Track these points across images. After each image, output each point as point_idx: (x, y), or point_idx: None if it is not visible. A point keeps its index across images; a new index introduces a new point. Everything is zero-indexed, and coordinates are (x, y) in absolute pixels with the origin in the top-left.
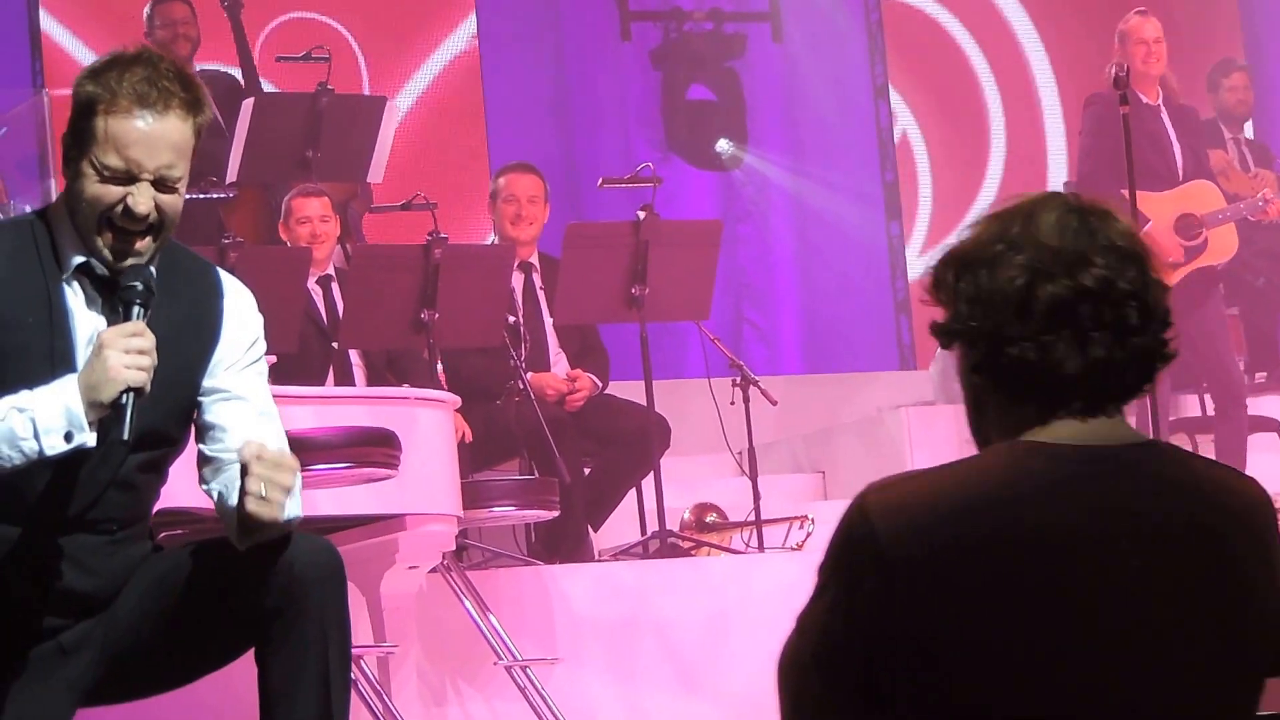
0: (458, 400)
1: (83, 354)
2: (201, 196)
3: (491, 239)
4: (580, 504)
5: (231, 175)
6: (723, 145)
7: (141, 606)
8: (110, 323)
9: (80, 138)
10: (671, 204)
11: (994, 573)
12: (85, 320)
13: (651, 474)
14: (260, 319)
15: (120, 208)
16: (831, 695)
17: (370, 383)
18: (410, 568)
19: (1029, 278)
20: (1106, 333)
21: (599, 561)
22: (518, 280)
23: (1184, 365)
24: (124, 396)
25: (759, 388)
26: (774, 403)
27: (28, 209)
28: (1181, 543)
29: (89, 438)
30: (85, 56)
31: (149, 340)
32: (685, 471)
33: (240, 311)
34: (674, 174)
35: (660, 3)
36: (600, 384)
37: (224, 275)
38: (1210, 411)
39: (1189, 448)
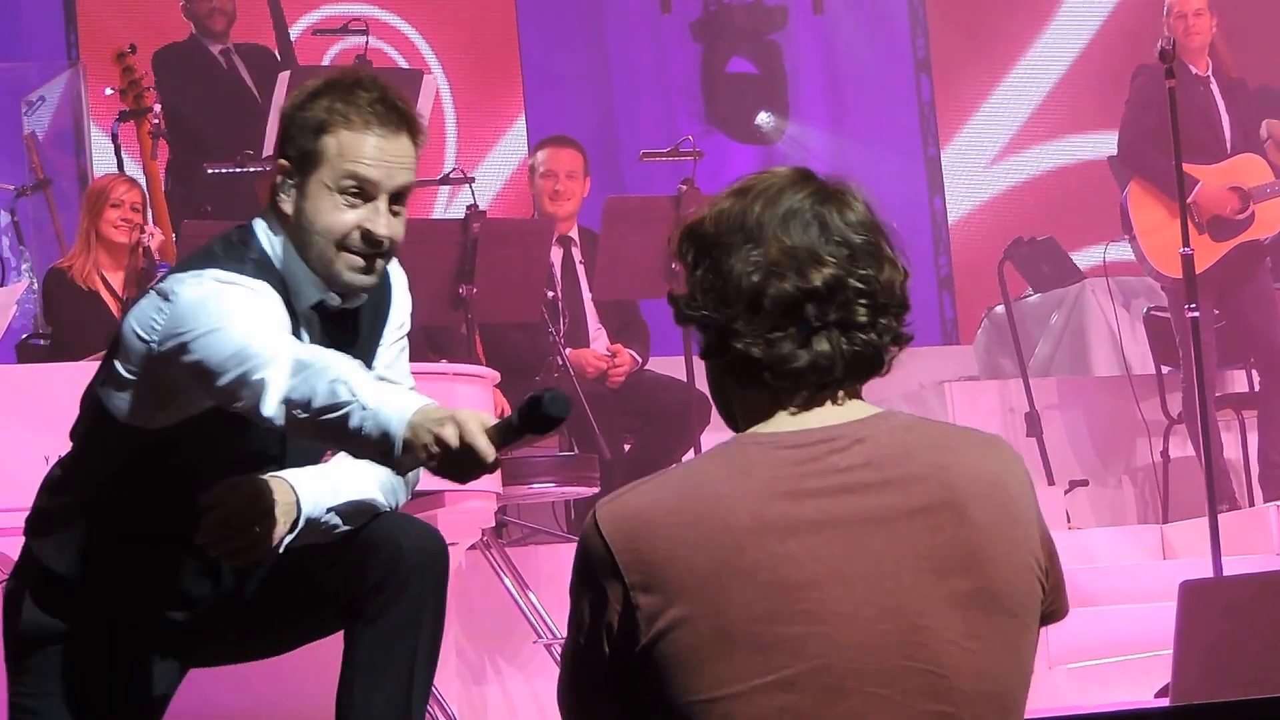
0: (497, 375)
1: None
2: (238, 170)
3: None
4: (620, 480)
5: (268, 149)
6: (763, 118)
7: (258, 575)
8: (335, 345)
9: (306, 161)
10: (712, 178)
11: (718, 565)
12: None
13: (691, 450)
14: (409, 294)
15: (358, 233)
16: (595, 712)
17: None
18: (449, 544)
19: (761, 276)
20: (834, 329)
21: None
22: (556, 255)
23: (1231, 341)
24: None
25: None
26: None
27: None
28: (899, 513)
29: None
30: (120, 29)
31: (485, 455)
32: None
33: (401, 289)
34: (714, 147)
35: None
36: (640, 359)
37: None
38: (1257, 387)
39: (1235, 423)
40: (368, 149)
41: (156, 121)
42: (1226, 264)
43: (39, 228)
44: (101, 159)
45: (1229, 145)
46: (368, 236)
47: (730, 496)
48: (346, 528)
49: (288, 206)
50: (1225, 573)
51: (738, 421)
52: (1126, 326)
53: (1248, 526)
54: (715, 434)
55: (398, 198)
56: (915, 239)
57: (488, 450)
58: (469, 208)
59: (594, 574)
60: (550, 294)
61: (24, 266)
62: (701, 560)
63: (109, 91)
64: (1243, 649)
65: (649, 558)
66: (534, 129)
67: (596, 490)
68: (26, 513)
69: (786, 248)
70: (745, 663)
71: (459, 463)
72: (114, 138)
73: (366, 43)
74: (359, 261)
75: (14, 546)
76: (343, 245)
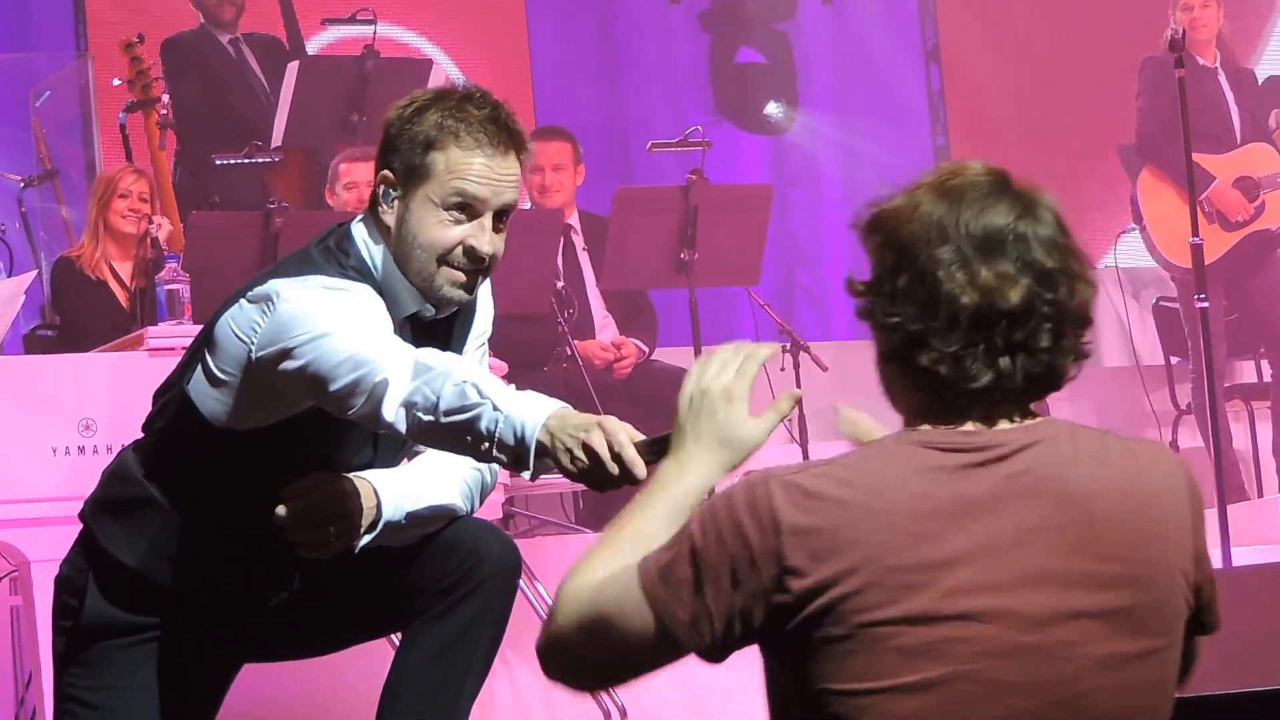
0: (504, 367)
1: None
2: (246, 161)
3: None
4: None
5: (276, 139)
6: (772, 108)
7: (332, 566)
8: None
9: (413, 175)
10: (721, 168)
11: (876, 560)
12: None
13: None
14: (491, 299)
15: (461, 249)
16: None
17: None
18: None
19: (967, 296)
20: (1019, 351)
21: None
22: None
23: (1242, 331)
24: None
25: (810, 353)
26: (825, 369)
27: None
28: (1051, 525)
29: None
30: (128, 20)
31: (632, 466)
32: None
33: (485, 297)
34: (723, 138)
35: None
36: (646, 349)
37: None
38: (1268, 378)
39: (1244, 414)
40: (476, 167)
41: (164, 112)
42: (1237, 254)
43: (47, 218)
44: (109, 150)
45: (1239, 135)
46: (471, 253)
47: (894, 493)
48: (424, 532)
49: (389, 218)
50: (1234, 564)
51: (904, 416)
52: (1135, 317)
53: (1257, 517)
54: None
55: (501, 215)
56: None
57: (637, 462)
58: None
59: (751, 542)
60: (559, 284)
61: (32, 257)
62: (860, 553)
63: (117, 82)
64: (1253, 640)
65: (813, 542)
66: (542, 119)
67: None
68: (56, 501)
69: (992, 267)
70: (889, 660)
71: (604, 474)
72: (122, 128)
73: (374, 32)
74: (460, 277)
75: (16, 537)
76: (445, 260)
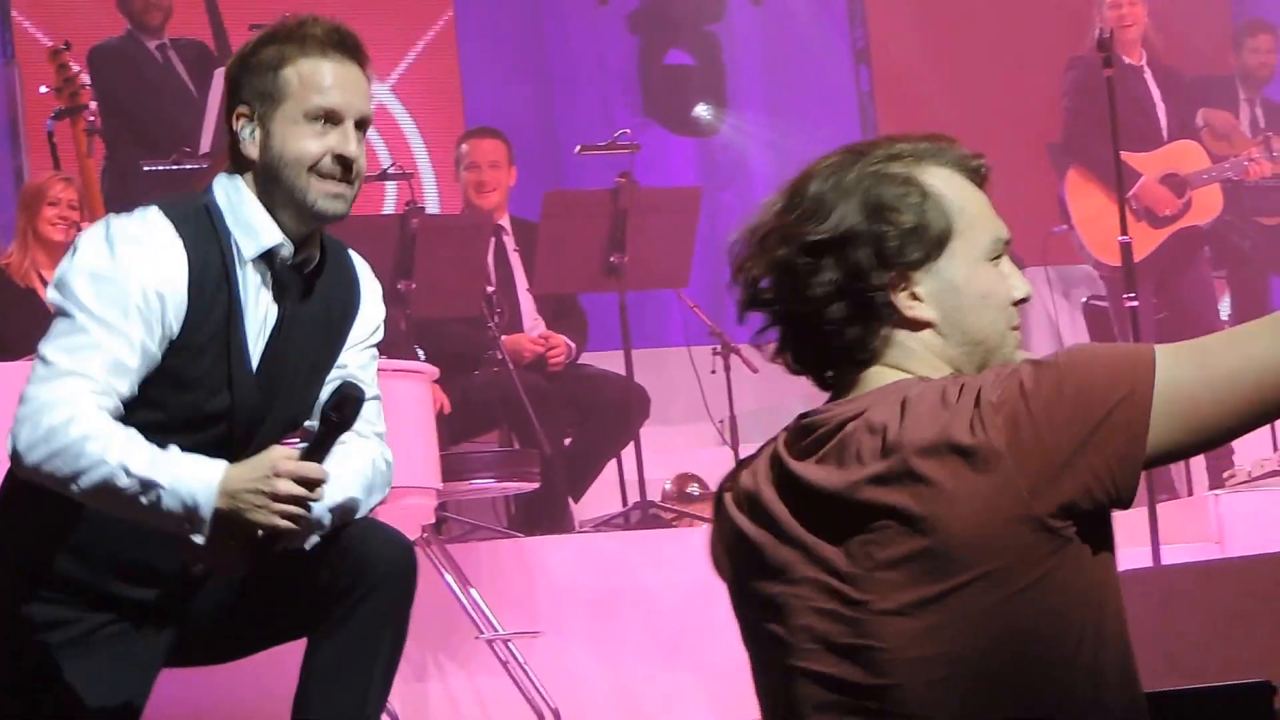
0: (435, 372)
1: (254, 343)
2: (175, 168)
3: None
4: (561, 475)
5: (205, 146)
6: (702, 110)
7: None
8: (282, 312)
9: (268, 100)
10: (650, 170)
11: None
12: (258, 308)
13: (632, 445)
14: (383, 305)
15: (330, 157)
16: None
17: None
18: None
19: None
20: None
21: (580, 533)
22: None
23: (1173, 330)
24: (259, 532)
25: (740, 355)
26: (755, 370)
27: None
28: None
29: (198, 539)
30: (57, 25)
31: (319, 476)
32: (666, 441)
33: (373, 294)
34: (652, 140)
35: None
36: (574, 346)
37: (355, 257)
38: None
39: None
40: (329, 77)
41: (92, 119)
42: (1165, 251)
43: None
44: (37, 158)
45: (1165, 132)
46: (341, 159)
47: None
48: (331, 527)
49: (253, 150)
50: (1164, 562)
51: None
52: (1065, 316)
53: (1187, 515)
54: (656, 428)
55: (359, 127)
56: None
57: (319, 470)
58: (407, 203)
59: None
60: (489, 289)
61: None
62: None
63: (44, 90)
64: (1181, 638)
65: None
66: (471, 121)
67: (537, 485)
68: None
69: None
70: None
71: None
72: (49, 136)
73: None
74: (332, 186)
75: None
76: (315, 170)
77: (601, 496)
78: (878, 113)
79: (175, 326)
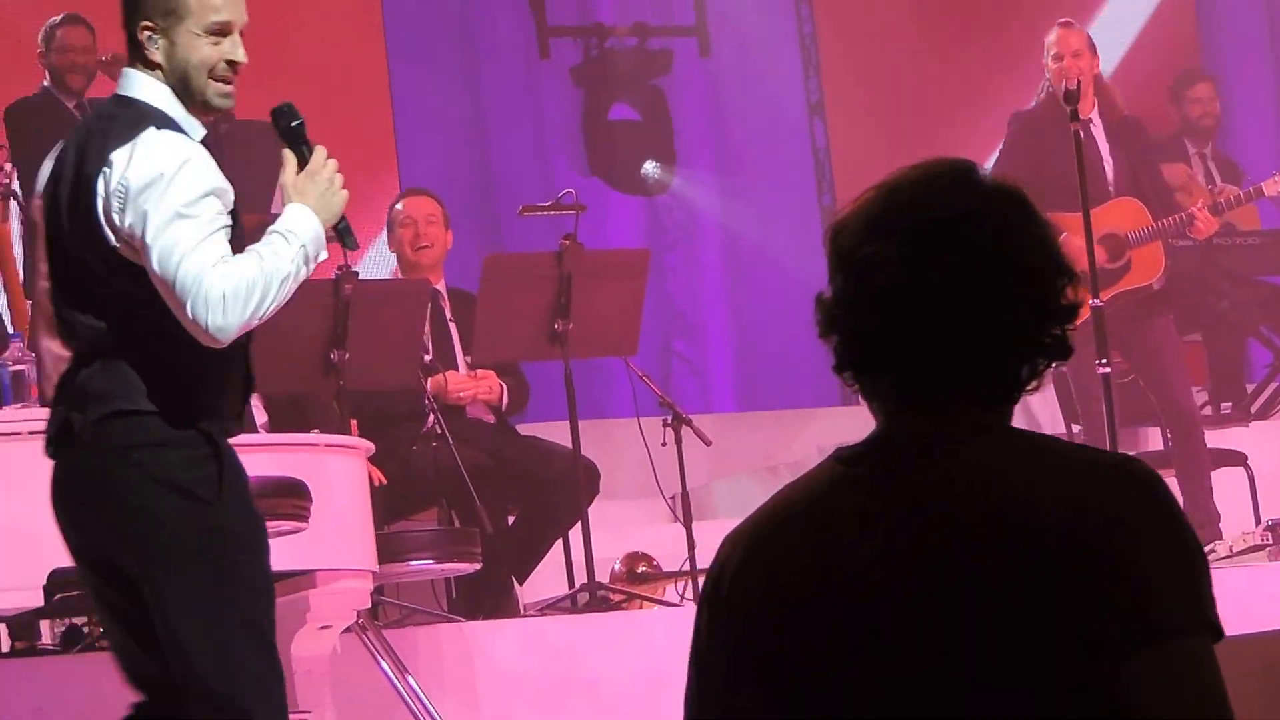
0: (371, 446)
1: None
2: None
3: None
4: (504, 555)
5: None
6: (649, 168)
7: None
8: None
9: (171, 15)
10: (595, 231)
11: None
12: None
13: (580, 523)
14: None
15: (224, 63)
16: None
17: (274, 428)
18: (323, 627)
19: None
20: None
21: (524, 617)
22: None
23: (1139, 394)
24: (342, 220)
25: (692, 427)
26: (708, 443)
27: None
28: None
29: (325, 253)
30: None
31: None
32: (615, 518)
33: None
34: (597, 199)
35: (580, 17)
36: (506, 389)
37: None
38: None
39: None
40: None
41: (6, 181)
42: (1119, 315)
43: None
44: None
45: (1112, 188)
46: (233, 64)
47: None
48: None
49: (158, 57)
50: None
51: None
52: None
53: None
54: (604, 503)
55: (244, 26)
56: (810, 291)
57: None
58: (339, 268)
59: (707, 587)
60: (427, 358)
61: None
62: (775, 572)
63: None
64: None
65: (738, 566)
66: (407, 180)
67: (478, 566)
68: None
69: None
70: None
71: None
72: None
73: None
74: (226, 87)
75: None
76: (213, 75)
77: (547, 577)
78: (834, 169)
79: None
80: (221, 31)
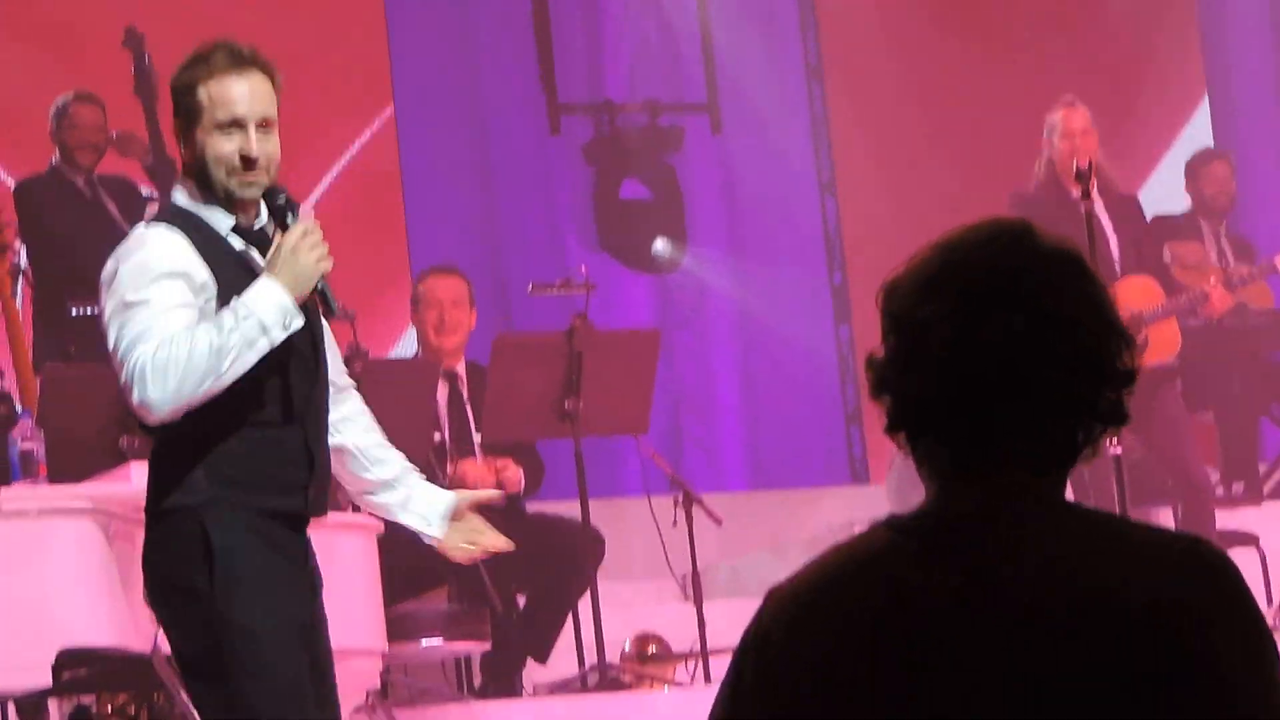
0: (379, 525)
1: None
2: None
3: (415, 351)
4: (515, 634)
5: None
6: (660, 246)
7: None
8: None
9: (190, 116)
10: (606, 309)
11: (853, 642)
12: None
13: (589, 602)
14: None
15: (237, 155)
16: None
17: None
18: None
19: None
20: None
21: (534, 698)
22: (442, 392)
23: (1150, 474)
24: (319, 282)
25: (702, 506)
26: (719, 522)
27: None
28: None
29: (299, 319)
30: None
31: (319, 231)
32: (625, 598)
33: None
34: (608, 276)
35: (591, 95)
36: (521, 478)
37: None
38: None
39: None
40: (230, 91)
41: (15, 259)
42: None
43: None
44: None
45: (1118, 267)
46: (244, 157)
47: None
48: None
49: (188, 156)
50: None
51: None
52: None
53: None
54: (614, 583)
55: (264, 125)
56: (821, 370)
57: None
58: (349, 346)
59: (747, 646)
60: (438, 436)
61: None
62: (830, 633)
63: None
64: None
65: (788, 627)
66: (417, 260)
67: (487, 646)
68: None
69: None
70: None
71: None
72: None
73: None
74: (245, 178)
75: None
76: (230, 169)
77: (556, 657)
78: (845, 247)
79: (210, 284)
80: (234, 126)
